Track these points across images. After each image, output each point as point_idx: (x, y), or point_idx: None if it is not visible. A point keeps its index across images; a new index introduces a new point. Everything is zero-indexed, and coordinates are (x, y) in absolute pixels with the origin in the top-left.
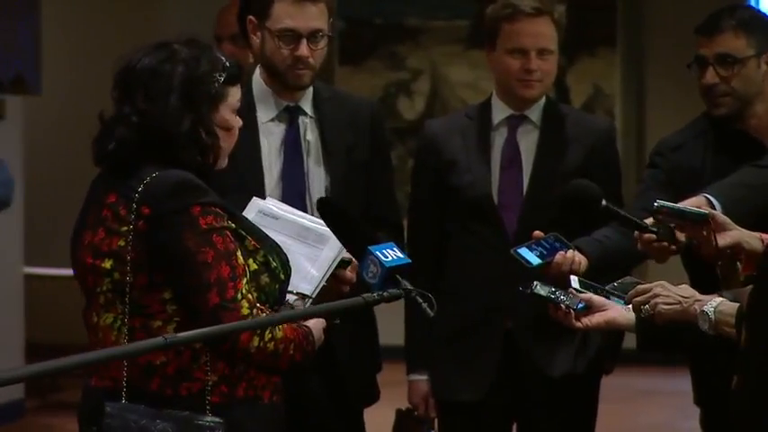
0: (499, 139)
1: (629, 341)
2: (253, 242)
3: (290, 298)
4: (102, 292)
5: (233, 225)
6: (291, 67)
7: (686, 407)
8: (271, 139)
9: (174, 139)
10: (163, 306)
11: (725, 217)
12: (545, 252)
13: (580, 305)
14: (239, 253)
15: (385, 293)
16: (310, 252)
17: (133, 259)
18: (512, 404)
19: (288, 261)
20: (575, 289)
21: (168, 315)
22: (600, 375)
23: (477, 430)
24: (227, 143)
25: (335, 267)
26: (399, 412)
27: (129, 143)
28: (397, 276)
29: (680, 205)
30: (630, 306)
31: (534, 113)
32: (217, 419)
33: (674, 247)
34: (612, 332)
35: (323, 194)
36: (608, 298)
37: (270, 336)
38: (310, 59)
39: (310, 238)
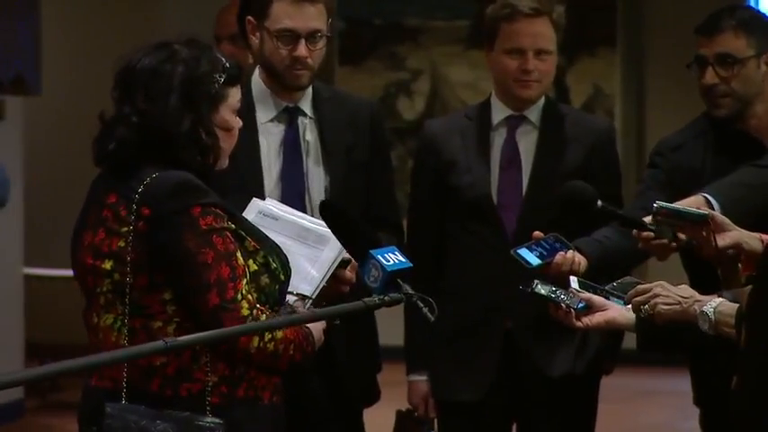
0: (498, 140)
1: (629, 341)
2: (253, 243)
3: (290, 299)
4: (102, 293)
5: (233, 226)
6: (290, 67)
7: (686, 407)
8: (270, 139)
9: (174, 140)
10: (163, 307)
11: (724, 217)
12: (545, 252)
13: (580, 305)
14: (239, 254)
15: (386, 297)
16: (310, 253)
17: (133, 260)
18: (511, 404)
19: (288, 262)
20: (574, 289)
21: (168, 316)
22: (599, 375)
23: (476, 430)
24: (228, 144)
25: (335, 267)
26: (399, 413)
27: (130, 143)
28: (399, 281)
29: (679, 206)
30: (630, 306)
31: (533, 114)
32: (217, 420)
33: (674, 244)
34: (612, 332)
35: (322, 195)
36: (607, 298)
37: (270, 336)
38: (309, 60)
39: (310, 239)
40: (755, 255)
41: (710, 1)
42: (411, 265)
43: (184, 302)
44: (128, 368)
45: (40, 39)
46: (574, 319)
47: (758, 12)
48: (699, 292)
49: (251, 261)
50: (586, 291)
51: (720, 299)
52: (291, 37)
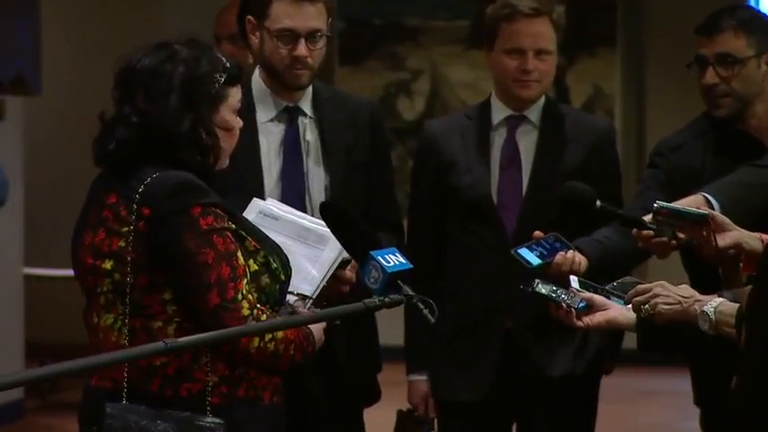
0: (498, 140)
1: (629, 341)
2: (253, 243)
3: (291, 299)
4: (102, 293)
5: (233, 226)
6: (290, 66)
7: (686, 407)
8: (270, 139)
9: (174, 140)
10: (163, 307)
11: (724, 217)
12: (545, 252)
13: (581, 304)
14: (240, 254)
15: (386, 299)
16: (311, 253)
17: (133, 260)
18: (511, 404)
19: (288, 262)
20: (575, 289)
21: (168, 316)
22: (599, 375)
23: (476, 430)
24: (228, 143)
25: (335, 267)
26: (400, 413)
27: (130, 143)
28: (399, 282)
29: (679, 206)
30: (631, 306)
31: (533, 114)
32: (217, 420)
33: (674, 242)
34: (612, 332)
35: (322, 195)
36: (608, 298)
37: (270, 336)
38: (308, 59)
39: (311, 239)
40: (756, 254)
41: (710, 1)
42: (411, 266)
43: (185, 302)
44: (128, 368)
45: (40, 39)
46: (574, 319)
47: (758, 12)
48: (699, 292)
49: (251, 261)
50: (587, 290)
51: (721, 299)
52: (291, 36)
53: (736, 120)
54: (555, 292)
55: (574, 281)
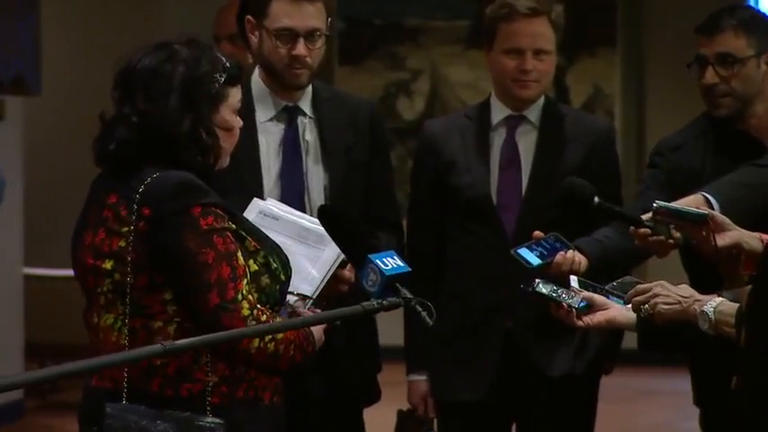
0: (498, 140)
1: (629, 341)
2: (253, 243)
3: (291, 299)
4: (102, 293)
5: (233, 226)
6: (289, 66)
7: (686, 407)
8: (269, 138)
9: (174, 140)
10: (163, 307)
11: (724, 217)
12: (545, 252)
13: (582, 304)
14: (240, 254)
15: (384, 302)
16: (311, 253)
17: (134, 260)
18: (511, 404)
19: (288, 262)
20: (575, 288)
21: (169, 316)
22: (599, 375)
23: (476, 430)
24: (228, 143)
25: (335, 267)
26: (401, 413)
27: (130, 143)
28: (397, 285)
29: (679, 206)
30: (630, 305)
31: (533, 114)
32: (217, 420)
33: (671, 240)
34: (611, 332)
35: (322, 194)
36: (607, 297)
37: (270, 337)
38: (308, 59)
39: (311, 239)
40: (756, 254)
41: (710, 1)
42: (410, 269)
43: (185, 302)
44: (128, 368)
45: (39, 39)
46: (575, 319)
47: (758, 11)
48: (699, 292)
49: (251, 261)
50: (586, 290)
51: (720, 298)
52: (290, 36)
53: (736, 120)
54: (555, 291)
55: (573, 280)
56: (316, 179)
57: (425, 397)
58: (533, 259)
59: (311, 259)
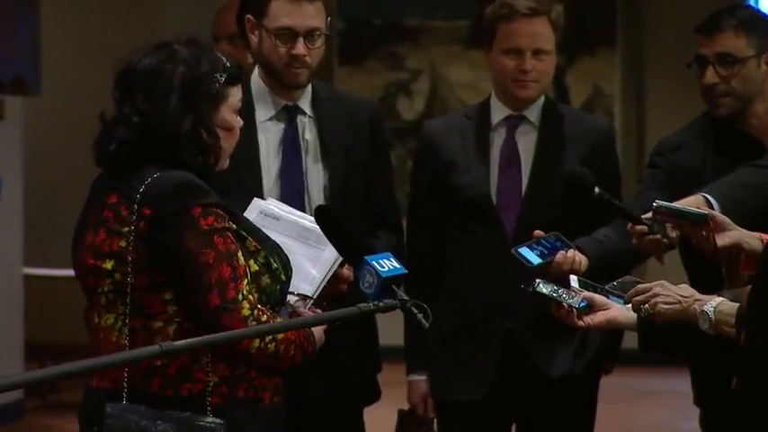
0: (498, 140)
1: (629, 341)
2: (254, 243)
3: (291, 299)
4: (103, 293)
5: (234, 226)
6: (288, 65)
7: (686, 407)
8: (269, 137)
9: (174, 140)
10: (164, 307)
11: (724, 217)
12: (545, 251)
13: (582, 304)
14: (240, 254)
15: (381, 303)
16: (311, 253)
17: (134, 260)
18: (511, 404)
19: (289, 262)
20: (575, 288)
21: (169, 316)
22: (599, 375)
23: (476, 430)
24: (228, 143)
25: (336, 267)
26: (401, 412)
27: (130, 144)
28: (393, 287)
29: (679, 205)
30: (631, 305)
31: (533, 114)
32: (217, 420)
33: (666, 240)
34: (611, 332)
35: (321, 194)
36: (607, 297)
37: (270, 337)
38: (307, 58)
39: (311, 239)
40: (756, 254)
41: (710, 1)
42: (406, 271)
43: (185, 303)
44: (128, 369)
45: (39, 39)
46: (575, 319)
47: (758, 11)
48: (699, 292)
49: (252, 261)
50: (586, 290)
51: (721, 298)
52: (290, 35)
53: (736, 119)
54: (556, 291)
55: (573, 280)
56: (315, 179)
57: (425, 397)
58: (534, 258)
59: (312, 259)
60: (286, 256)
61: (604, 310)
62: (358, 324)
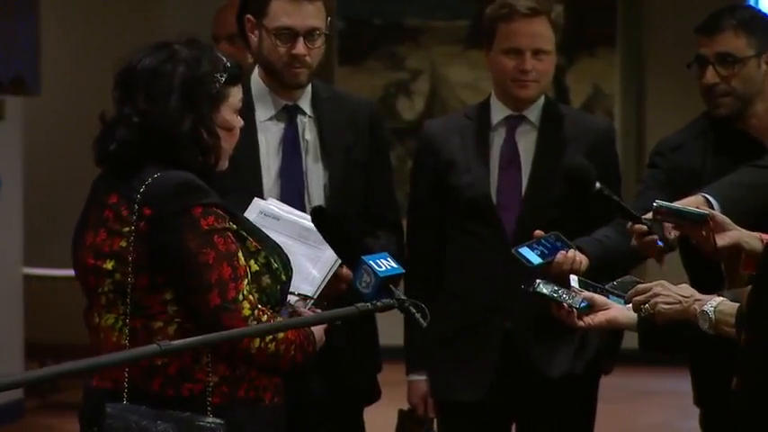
0: (498, 140)
1: (629, 341)
2: (254, 243)
3: (292, 299)
4: (103, 293)
5: (234, 226)
6: (288, 65)
7: (686, 407)
8: (269, 137)
9: (175, 140)
10: (164, 307)
11: (724, 217)
12: (546, 251)
13: (583, 304)
14: (240, 254)
15: (378, 303)
16: (311, 253)
17: (134, 260)
18: (511, 404)
19: (289, 262)
20: (576, 288)
21: (169, 316)
22: (599, 375)
23: (476, 430)
24: (229, 143)
25: (336, 267)
26: (401, 412)
27: (131, 144)
28: (391, 286)
29: (679, 205)
30: (631, 305)
31: (533, 114)
32: (218, 420)
33: (662, 244)
34: (611, 332)
35: (321, 193)
36: (607, 297)
37: (271, 337)
38: (307, 58)
39: (311, 239)
40: (756, 254)
41: (710, 1)
42: (403, 270)
43: (185, 303)
44: (129, 368)
45: (39, 39)
46: (576, 319)
47: (758, 11)
48: (699, 292)
49: (252, 261)
50: (586, 289)
51: (721, 298)
52: (290, 35)
53: (736, 119)
54: (556, 291)
55: (573, 280)
56: (315, 178)
57: (425, 397)
58: (534, 258)
59: (312, 259)
60: (286, 256)
61: (605, 310)
62: (358, 324)
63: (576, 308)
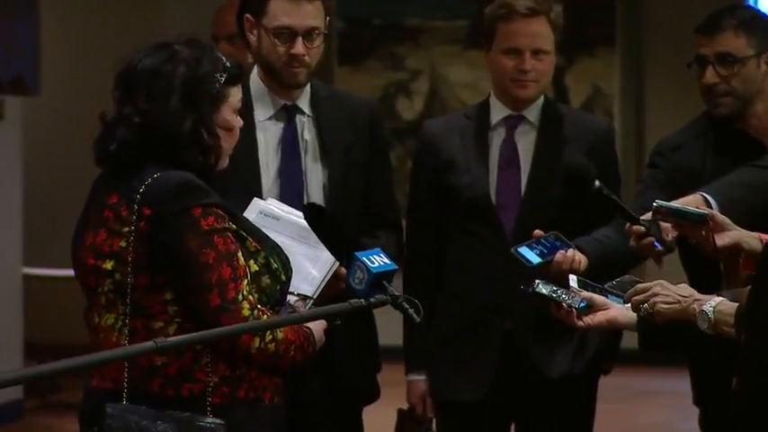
0: (497, 140)
1: (629, 341)
2: (254, 243)
3: (291, 299)
4: (103, 293)
5: (234, 226)
6: (287, 64)
7: (686, 407)
8: (268, 137)
9: (175, 140)
10: (164, 307)
11: (724, 217)
12: (545, 251)
13: (582, 304)
14: (240, 254)
15: (372, 299)
16: (311, 253)
17: (134, 260)
18: (510, 404)
19: (289, 262)
20: (575, 288)
21: (169, 316)
22: (598, 375)
23: (475, 430)
24: (229, 143)
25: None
26: (401, 412)
27: (131, 144)
28: (384, 282)
29: (679, 205)
30: (630, 305)
31: (532, 113)
32: (218, 421)
33: (657, 245)
34: (611, 332)
35: (320, 193)
36: (606, 297)
37: (271, 337)
38: (306, 57)
39: (311, 239)
40: (755, 254)
41: (710, 1)
42: (396, 267)
43: (185, 303)
44: (129, 368)
45: (39, 39)
46: (575, 319)
47: (758, 11)
48: (698, 292)
49: (252, 261)
50: (586, 289)
51: (720, 298)
52: (289, 34)
53: (736, 119)
54: (555, 292)
55: (573, 280)
56: (314, 178)
57: (424, 396)
58: (533, 258)
59: (311, 259)
60: (286, 256)
61: (604, 310)
62: (357, 324)
63: (576, 308)
